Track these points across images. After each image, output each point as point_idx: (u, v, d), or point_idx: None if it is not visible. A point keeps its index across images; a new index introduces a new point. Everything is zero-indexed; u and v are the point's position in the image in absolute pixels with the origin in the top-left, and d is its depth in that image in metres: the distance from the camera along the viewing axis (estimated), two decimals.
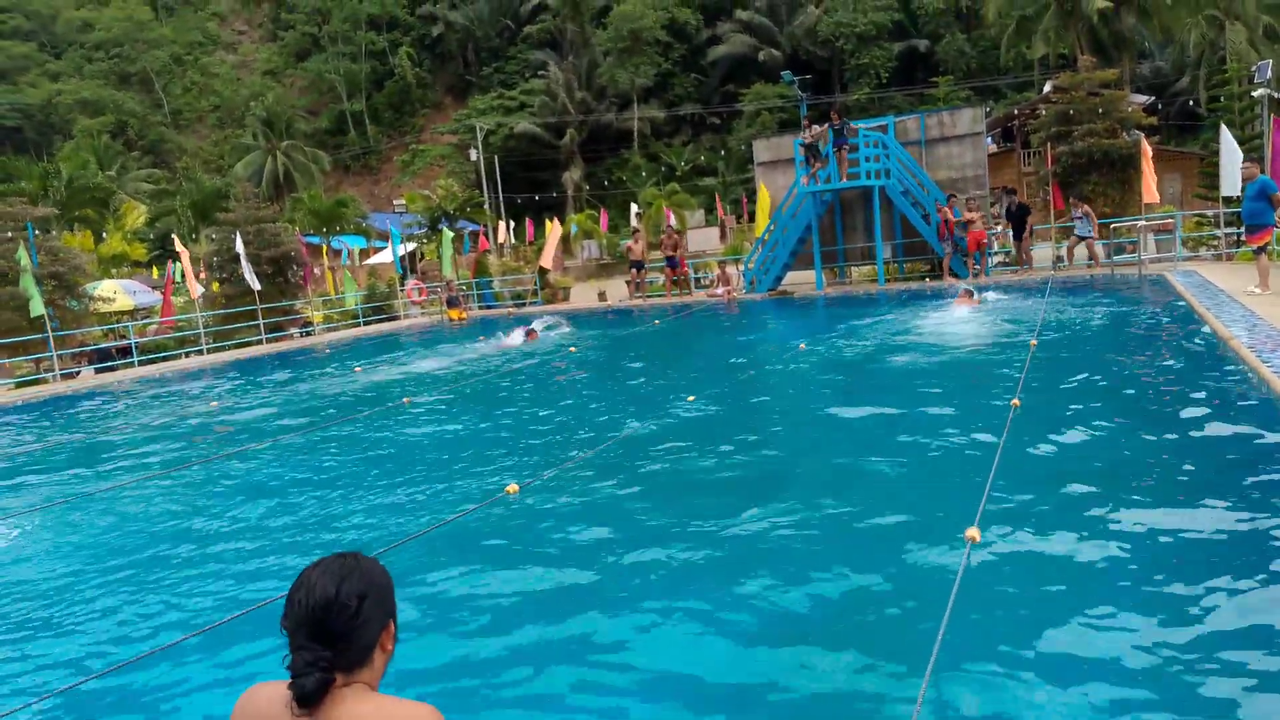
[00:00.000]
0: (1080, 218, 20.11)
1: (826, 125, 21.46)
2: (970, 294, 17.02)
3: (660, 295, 25.68)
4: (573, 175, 63.92)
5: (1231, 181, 17.06)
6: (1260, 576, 4.39)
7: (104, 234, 38.85)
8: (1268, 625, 3.93)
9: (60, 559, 6.57)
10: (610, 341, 17.46)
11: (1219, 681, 3.55)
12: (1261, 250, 13.60)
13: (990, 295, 17.55)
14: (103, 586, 5.88)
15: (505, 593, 5.13)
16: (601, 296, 27.49)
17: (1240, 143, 17.95)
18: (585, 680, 4.11)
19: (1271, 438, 6.54)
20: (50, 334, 18.53)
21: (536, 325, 19.23)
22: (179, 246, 24.49)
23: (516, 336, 18.32)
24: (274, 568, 5.91)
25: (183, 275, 23.54)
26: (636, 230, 28.70)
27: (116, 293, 24.41)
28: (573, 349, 17.05)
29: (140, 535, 6.98)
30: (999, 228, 24.55)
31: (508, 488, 6.99)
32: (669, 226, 30.48)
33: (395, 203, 61.88)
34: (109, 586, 5.87)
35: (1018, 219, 21.66)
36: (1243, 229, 17.21)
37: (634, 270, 26.34)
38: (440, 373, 15.52)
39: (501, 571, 5.44)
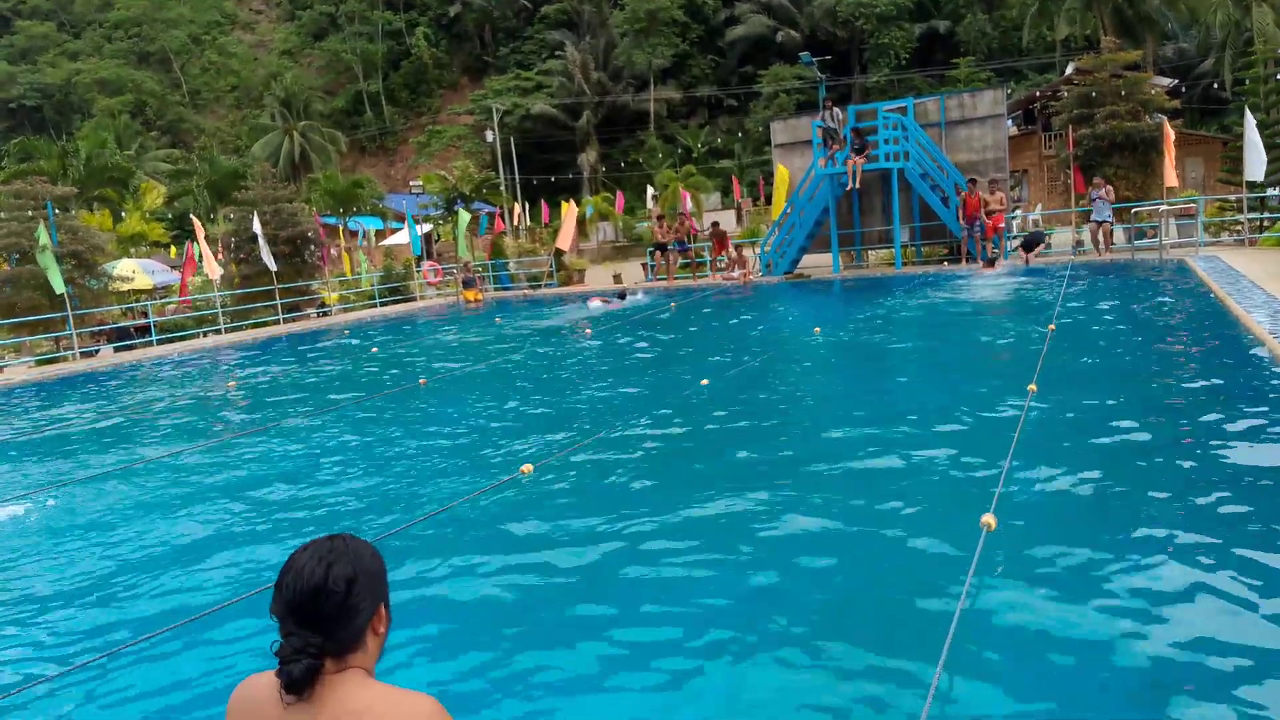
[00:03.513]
0: (1098, 198, 19.75)
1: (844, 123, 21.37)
2: (986, 261, 18.42)
3: (682, 278, 25.57)
4: (589, 157, 63.80)
5: (1255, 167, 16.85)
6: None
7: (123, 213, 39.05)
8: None
9: (54, 546, 6.64)
10: (627, 324, 17.46)
11: (1230, 673, 3.53)
12: None
13: (1010, 280, 17.49)
14: (95, 575, 5.95)
15: (510, 578, 5.13)
16: (617, 279, 27.45)
17: (1265, 126, 17.73)
18: (592, 669, 4.12)
19: None
20: (70, 312, 18.68)
21: (627, 293, 22.65)
22: (195, 225, 24.61)
23: (601, 302, 21.49)
24: (279, 546, 5.94)
25: (201, 255, 23.66)
26: (661, 215, 28.58)
27: (135, 272, 24.60)
28: (588, 331, 17.06)
29: (137, 519, 7.05)
30: (1018, 211, 24.35)
31: (523, 468, 7.00)
32: (682, 212, 30.32)
33: (412, 184, 61.91)
34: (100, 577, 5.94)
35: (1028, 246, 20.89)
36: (1265, 214, 17.01)
37: (657, 253, 26.25)
38: (477, 346, 15.58)
39: (509, 555, 5.45)
